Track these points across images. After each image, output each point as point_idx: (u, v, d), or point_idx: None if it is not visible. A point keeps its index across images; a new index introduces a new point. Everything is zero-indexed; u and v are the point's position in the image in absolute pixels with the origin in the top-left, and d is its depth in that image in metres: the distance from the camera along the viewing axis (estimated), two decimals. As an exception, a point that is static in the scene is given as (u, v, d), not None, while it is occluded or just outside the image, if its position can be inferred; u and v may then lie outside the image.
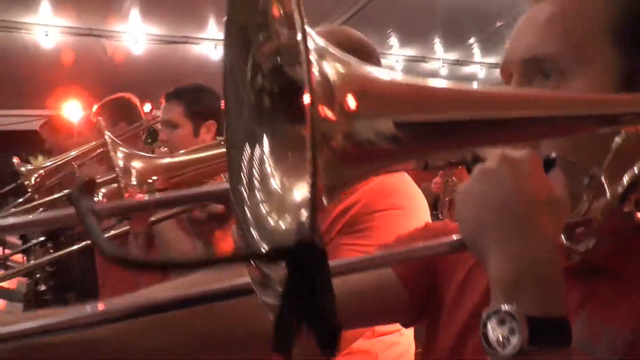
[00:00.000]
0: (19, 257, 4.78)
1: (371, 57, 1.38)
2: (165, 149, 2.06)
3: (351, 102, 0.46)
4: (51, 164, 2.79)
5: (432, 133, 0.55)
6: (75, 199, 0.50)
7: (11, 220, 0.60)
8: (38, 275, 4.64)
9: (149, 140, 3.02)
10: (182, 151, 1.22)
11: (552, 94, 0.71)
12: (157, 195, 0.70)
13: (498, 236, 0.63)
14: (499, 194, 0.64)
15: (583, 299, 0.75)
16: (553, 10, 0.80)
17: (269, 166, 0.54)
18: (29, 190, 2.78)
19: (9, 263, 4.73)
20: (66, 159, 2.78)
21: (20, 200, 2.86)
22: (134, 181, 1.07)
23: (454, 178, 3.97)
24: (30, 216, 0.68)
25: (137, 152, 1.12)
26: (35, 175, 2.72)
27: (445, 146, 0.60)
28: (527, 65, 0.80)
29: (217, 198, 0.72)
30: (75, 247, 1.34)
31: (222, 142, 1.37)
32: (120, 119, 2.71)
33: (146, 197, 0.69)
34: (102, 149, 2.66)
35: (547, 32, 0.79)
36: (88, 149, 2.73)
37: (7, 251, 4.00)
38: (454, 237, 0.69)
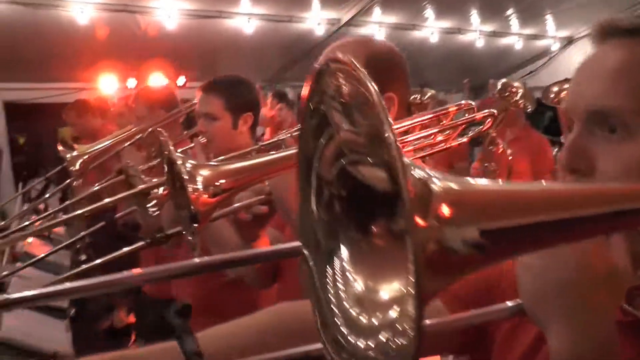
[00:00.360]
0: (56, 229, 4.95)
1: (397, 65, 1.39)
2: (204, 139, 2.10)
3: (445, 210, 0.47)
4: (94, 150, 2.85)
5: (516, 238, 0.55)
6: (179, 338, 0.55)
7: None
8: (78, 246, 4.82)
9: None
10: (240, 153, 1.23)
11: (636, 187, 0.67)
12: (230, 254, 0.74)
13: (559, 311, 0.64)
14: (561, 268, 0.64)
15: (637, 356, 0.75)
16: (622, 59, 0.76)
17: (352, 271, 0.55)
18: (74, 175, 2.86)
19: (52, 236, 4.93)
20: (109, 144, 2.84)
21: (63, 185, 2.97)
22: (200, 186, 1.10)
23: (492, 163, 3.93)
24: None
25: (202, 163, 1.16)
26: (80, 160, 2.79)
27: (527, 248, 0.60)
28: (591, 118, 0.77)
29: (291, 254, 0.75)
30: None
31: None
32: (158, 106, 2.74)
33: (218, 257, 0.73)
34: (140, 135, 2.73)
35: (615, 84, 0.75)
36: (128, 135, 2.79)
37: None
38: (512, 303, 0.70)
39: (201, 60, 7.12)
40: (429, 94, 5.48)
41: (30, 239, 4.42)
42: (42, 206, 5.58)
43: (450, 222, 0.47)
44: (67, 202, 3.02)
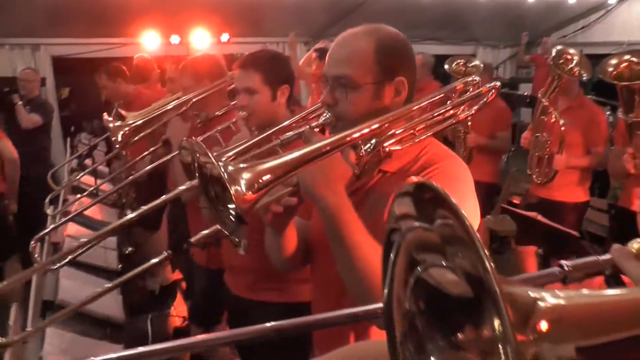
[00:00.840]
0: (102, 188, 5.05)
1: (405, 50, 1.45)
2: (244, 113, 2.17)
3: (544, 326, 0.47)
4: (139, 121, 2.87)
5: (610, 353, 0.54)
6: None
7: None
8: (124, 201, 4.94)
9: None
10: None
11: None
12: (306, 319, 0.77)
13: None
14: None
15: None
16: None
17: None
18: (117, 146, 2.90)
19: (100, 193, 5.05)
20: (154, 116, 2.85)
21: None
22: (244, 187, 1.12)
23: (544, 134, 3.83)
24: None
25: (240, 167, 1.17)
26: (121, 132, 2.82)
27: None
28: None
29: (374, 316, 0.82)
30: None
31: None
32: (203, 76, 2.73)
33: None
34: (185, 108, 2.73)
35: None
36: (175, 106, 2.80)
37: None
38: None
39: (245, 16, 7.05)
40: (474, 63, 5.27)
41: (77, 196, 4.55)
42: (88, 162, 5.73)
43: (548, 338, 0.47)
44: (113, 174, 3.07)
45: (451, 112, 1.49)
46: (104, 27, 6.88)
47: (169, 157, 2.54)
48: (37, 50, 7.02)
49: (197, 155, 1.23)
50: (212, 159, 1.15)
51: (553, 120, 3.65)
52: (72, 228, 3.72)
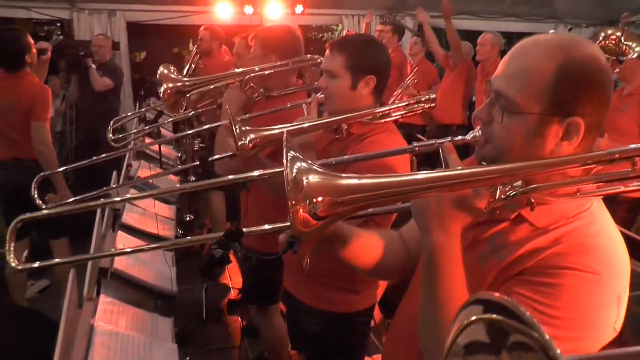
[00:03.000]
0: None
1: (598, 85, 1.11)
2: (322, 95, 2.09)
3: None
4: (198, 90, 2.82)
5: None
6: None
7: None
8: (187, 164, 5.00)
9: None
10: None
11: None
12: None
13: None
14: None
15: None
16: None
17: None
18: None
19: (163, 159, 5.13)
20: (211, 79, 2.78)
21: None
22: (301, 197, 0.97)
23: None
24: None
25: (317, 168, 1.01)
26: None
27: None
28: None
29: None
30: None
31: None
32: (272, 50, 2.62)
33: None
34: (241, 78, 2.65)
35: None
36: (235, 74, 2.72)
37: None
38: None
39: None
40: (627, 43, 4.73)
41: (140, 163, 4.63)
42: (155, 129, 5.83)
43: None
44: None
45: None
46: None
47: (219, 124, 2.47)
48: (113, 15, 7.18)
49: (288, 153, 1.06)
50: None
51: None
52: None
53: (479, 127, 1.19)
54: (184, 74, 4.17)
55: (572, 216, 1.11)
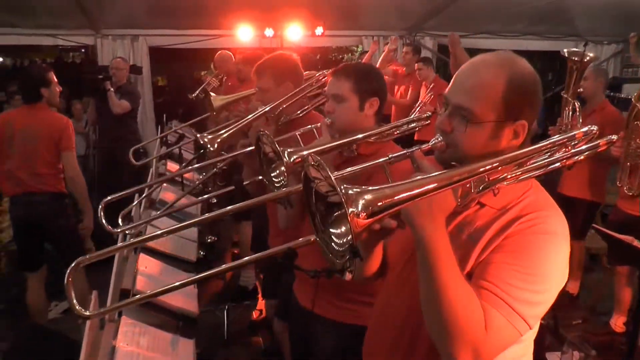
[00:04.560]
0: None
1: (537, 93, 1.40)
2: (330, 120, 2.18)
3: None
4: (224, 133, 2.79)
5: None
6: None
7: None
8: (209, 188, 5.03)
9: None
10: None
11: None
12: None
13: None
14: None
15: None
16: None
17: None
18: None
19: (185, 182, 5.16)
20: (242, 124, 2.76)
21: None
22: (360, 208, 1.10)
23: (638, 140, 3.52)
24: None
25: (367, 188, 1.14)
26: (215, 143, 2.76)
27: None
28: None
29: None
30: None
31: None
32: (286, 77, 2.68)
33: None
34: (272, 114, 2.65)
35: None
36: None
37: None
38: None
39: (340, 9, 6.98)
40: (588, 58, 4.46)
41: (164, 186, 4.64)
42: (177, 151, 5.88)
43: None
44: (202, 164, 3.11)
45: (565, 161, 1.46)
46: (199, 19, 7.04)
47: (242, 151, 2.51)
48: (135, 40, 7.31)
49: (310, 169, 1.21)
50: (333, 180, 1.11)
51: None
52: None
53: (438, 134, 1.37)
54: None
55: (521, 194, 1.36)
